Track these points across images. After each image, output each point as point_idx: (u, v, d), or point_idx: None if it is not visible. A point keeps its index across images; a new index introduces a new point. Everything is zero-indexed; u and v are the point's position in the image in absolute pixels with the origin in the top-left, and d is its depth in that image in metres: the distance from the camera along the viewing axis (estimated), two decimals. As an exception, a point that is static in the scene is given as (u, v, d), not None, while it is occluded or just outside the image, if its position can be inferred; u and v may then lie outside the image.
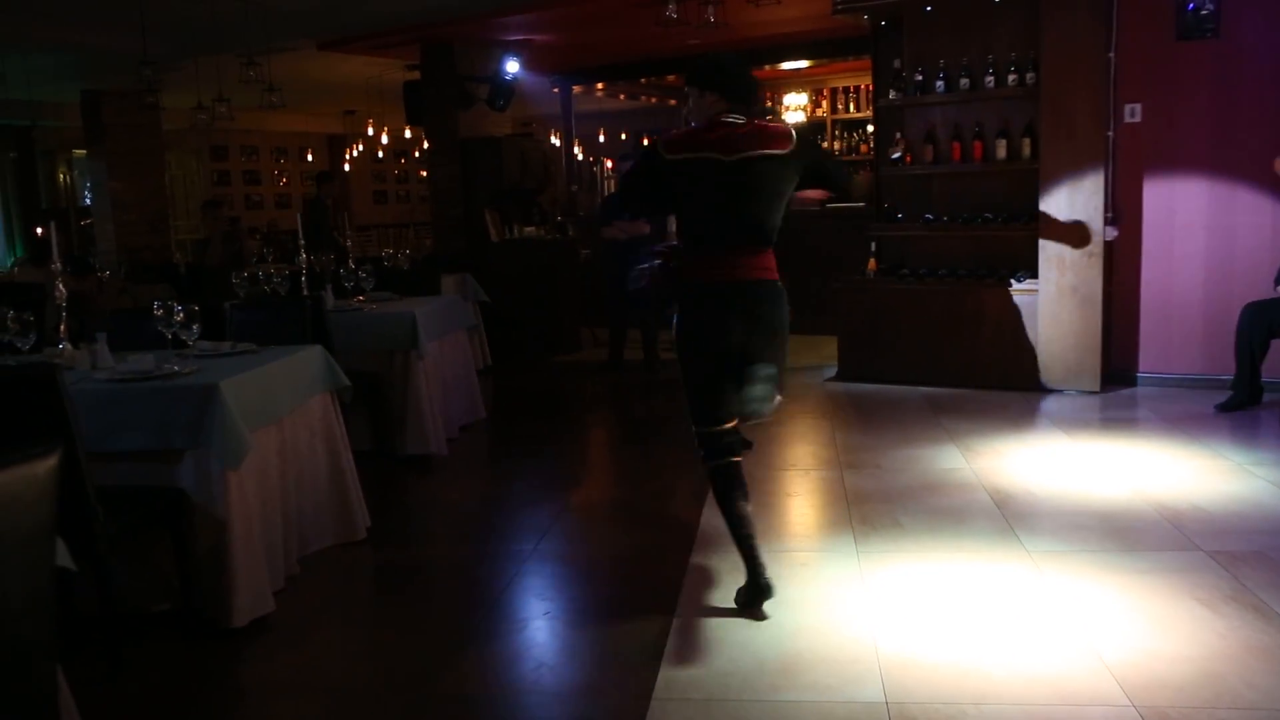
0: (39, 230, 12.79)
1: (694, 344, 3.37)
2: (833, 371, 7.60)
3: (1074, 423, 6.02)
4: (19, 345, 3.78)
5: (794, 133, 3.42)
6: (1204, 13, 6.52)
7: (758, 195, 3.30)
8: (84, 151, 12.62)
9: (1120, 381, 6.86)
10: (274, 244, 11.93)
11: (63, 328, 3.98)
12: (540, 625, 3.57)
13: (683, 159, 3.32)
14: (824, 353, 8.12)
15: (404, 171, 19.36)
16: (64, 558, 2.14)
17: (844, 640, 3.25)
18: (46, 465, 1.76)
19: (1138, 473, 4.95)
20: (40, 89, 11.37)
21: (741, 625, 3.39)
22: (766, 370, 3.28)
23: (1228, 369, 6.17)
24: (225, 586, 3.42)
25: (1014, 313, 6.91)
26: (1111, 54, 6.64)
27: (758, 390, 3.25)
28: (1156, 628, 3.26)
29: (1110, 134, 6.69)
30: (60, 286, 3.97)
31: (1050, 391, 6.77)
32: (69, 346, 3.93)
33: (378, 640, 3.55)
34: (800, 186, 3.44)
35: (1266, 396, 6.01)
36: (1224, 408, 6.05)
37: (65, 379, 3.06)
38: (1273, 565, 3.71)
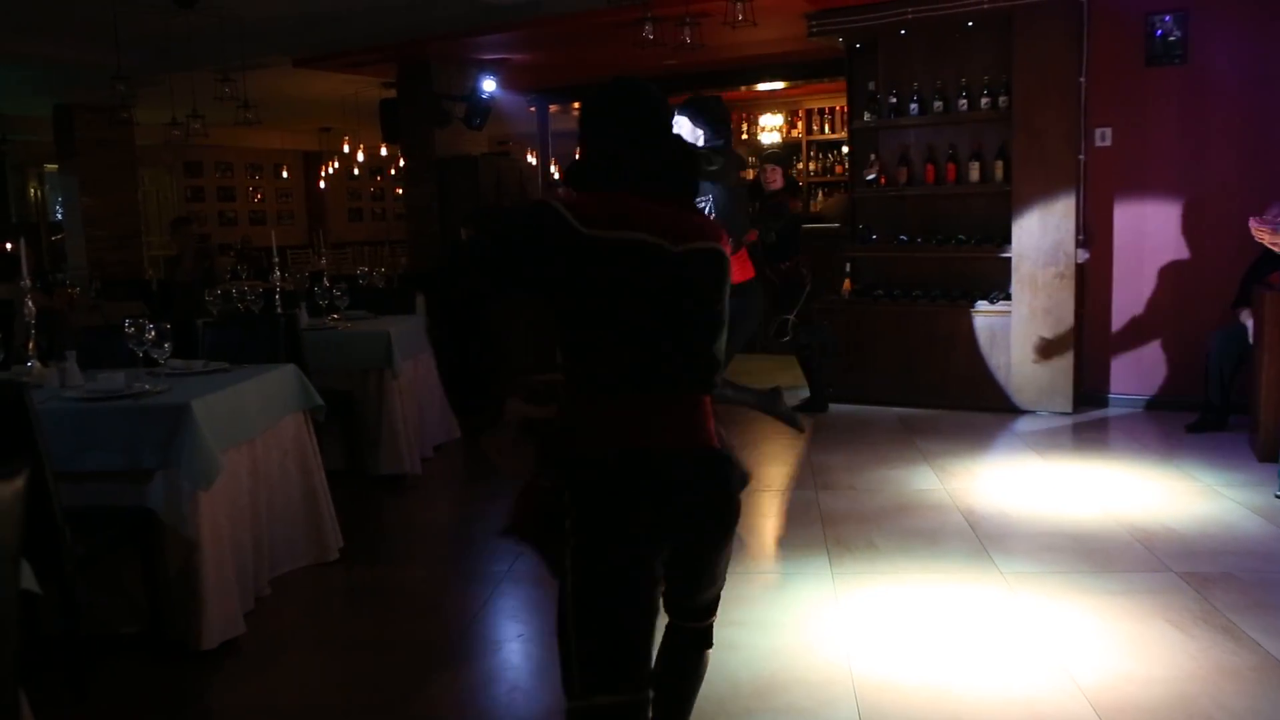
0: (8, 246, 12.65)
1: (593, 559, 1.95)
2: (807, 393, 7.60)
3: (1046, 444, 6.06)
4: (-14, 363, 3.74)
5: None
6: (1172, 39, 6.63)
7: (708, 309, 2.08)
8: (55, 166, 12.51)
9: (1092, 403, 6.92)
10: (248, 261, 11.87)
11: (31, 345, 3.93)
12: (514, 648, 3.55)
13: (610, 239, 1.96)
14: (796, 373, 8.12)
15: (379, 189, 19.30)
16: (29, 580, 2.11)
17: (818, 662, 3.25)
18: (12, 487, 1.74)
19: (1109, 493, 4.99)
20: (11, 102, 11.27)
21: (716, 647, 3.36)
22: (707, 596, 2.23)
23: (1198, 390, 6.24)
24: (194, 608, 3.39)
25: (987, 334, 6.96)
26: (1082, 79, 6.72)
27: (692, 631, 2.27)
28: (1128, 649, 3.27)
29: (1082, 157, 6.77)
30: (29, 303, 3.92)
31: (1023, 412, 6.82)
32: (38, 364, 3.89)
33: (349, 663, 3.51)
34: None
35: (1233, 419, 6.08)
36: (1193, 429, 6.11)
37: (33, 397, 3.03)
38: (1242, 587, 3.75)
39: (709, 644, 2.30)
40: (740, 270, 4.63)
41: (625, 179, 2.07)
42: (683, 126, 4.56)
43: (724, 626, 3.50)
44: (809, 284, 6.95)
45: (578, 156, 2.19)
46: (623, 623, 1.96)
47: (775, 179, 6.90)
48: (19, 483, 1.74)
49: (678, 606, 2.23)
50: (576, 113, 12.49)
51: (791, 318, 6.75)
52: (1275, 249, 5.63)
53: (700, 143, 4.55)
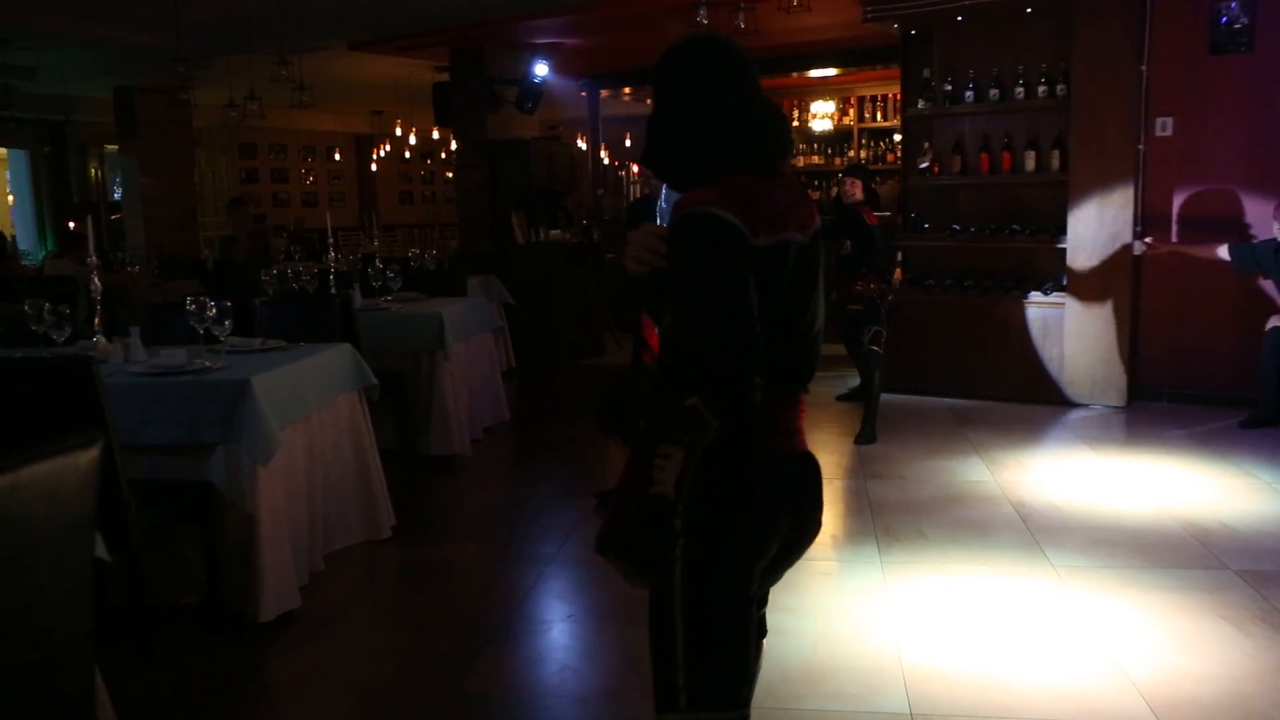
0: (71, 224, 12.92)
1: (716, 569, 1.78)
2: (856, 381, 7.56)
3: (1099, 437, 5.99)
4: (54, 337, 3.83)
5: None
6: (1237, 26, 6.48)
7: (822, 295, 1.88)
8: (115, 147, 12.74)
9: (1146, 396, 6.81)
10: (300, 242, 12.01)
11: (97, 321, 4.02)
12: (563, 628, 3.58)
13: (769, 246, 1.71)
14: (848, 363, 8.08)
15: (430, 172, 19.45)
16: (100, 549, 2.17)
17: (868, 650, 3.24)
18: (89, 456, 1.78)
19: (1164, 489, 4.92)
20: (74, 84, 11.49)
21: (767, 634, 3.38)
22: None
23: (1254, 386, 6.12)
24: (252, 581, 3.45)
25: (1040, 325, 6.88)
26: (1144, 67, 6.60)
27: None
28: (1183, 646, 3.23)
29: (1141, 147, 6.65)
30: (95, 280, 4.01)
31: (1076, 405, 6.73)
32: (103, 339, 3.97)
33: (401, 638, 3.57)
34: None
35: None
36: (1246, 425, 6.00)
37: (100, 371, 3.10)
38: (1301, 585, 3.68)
39: (765, 632, 2.14)
40: None
41: (740, 156, 1.80)
42: None
43: (774, 612, 3.50)
44: (887, 305, 6.31)
45: (657, 136, 1.88)
46: (739, 638, 1.82)
47: (855, 191, 6.60)
48: (95, 451, 1.78)
49: None
50: (627, 97, 12.48)
51: (869, 337, 6.13)
52: None
53: None
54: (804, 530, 1.90)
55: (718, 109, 1.79)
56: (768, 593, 2.01)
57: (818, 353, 1.89)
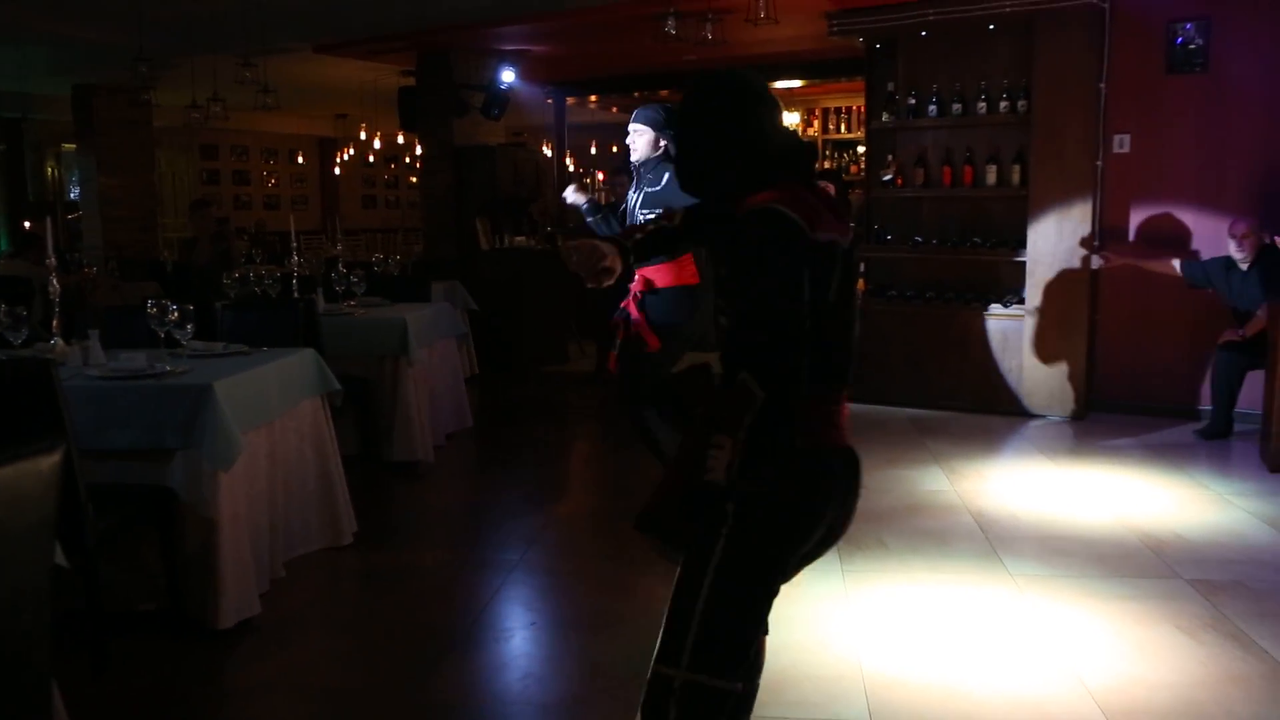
0: (26, 224, 12.71)
1: (756, 551, 1.94)
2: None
3: (1057, 448, 6.07)
4: (10, 339, 3.78)
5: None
6: (1192, 47, 6.62)
7: (857, 302, 2.07)
8: (73, 146, 12.56)
9: (1103, 408, 6.92)
10: (261, 245, 11.91)
11: (55, 322, 3.97)
12: (526, 635, 3.58)
13: (826, 242, 1.94)
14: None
15: (393, 176, 19.35)
16: (57, 555, 2.14)
17: (829, 658, 3.27)
18: (50, 461, 1.76)
19: (1120, 499, 5.00)
20: (32, 81, 11.32)
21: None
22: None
23: (1208, 398, 6.25)
24: (212, 587, 3.42)
25: (1000, 337, 6.97)
26: (1102, 85, 6.72)
27: None
28: (1137, 654, 3.29)
29: (1099, 163, 6.77)
30: (54, 282, 3.96)
31: (1034, 416, 6.83)
32: (61, 342, 3.92)
33: (362, 645, 3.55)
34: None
35: (1239, 427, 6.11)
36: (1203, 434, 6.13)
37: (59, 374, 3.06)
38: (1251, 595, 3.76)
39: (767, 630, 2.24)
40: (680, 274, 4.27)
41: (785, 168, 2.04)
42: (644, 135, 4.35)
43: (735, 620, 3.54)
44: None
45: (689, 154, 2.14)
46: (754, 617, 2.00)
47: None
48: (56, 456, 1.76)
49: None
50: (593, 104, 12.50)
51: None
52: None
53: (662, 149, 4.34)
54: (845, 520, 2.06)
55: (769, 130, 2.08)
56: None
57: (857, 351, 2.06)
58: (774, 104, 2.12)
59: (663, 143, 4.33)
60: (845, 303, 1.99)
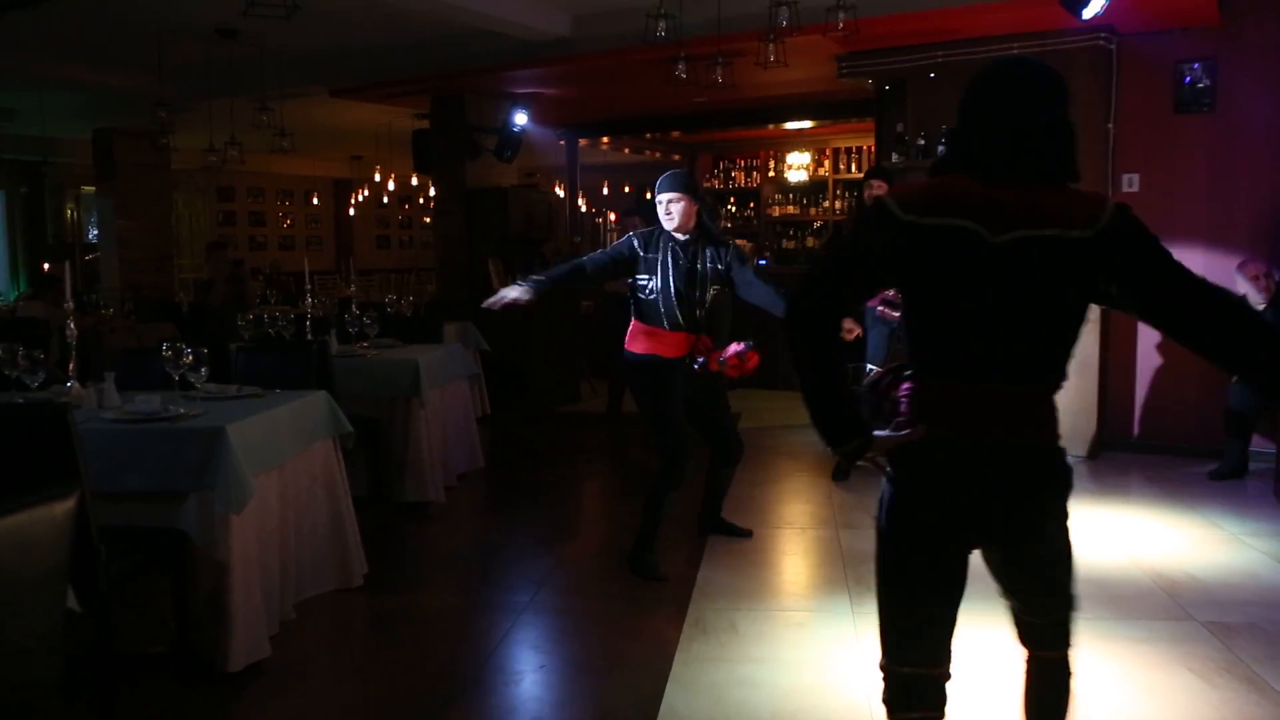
0: (45, 266, 12.86)
1: (894, 540, 2.10)
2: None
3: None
4: (27, 382, 3.81)
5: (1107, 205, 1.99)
6: (1200, 86, 6.67)
7: (1041, 300, 1.97)
8: (92, 188, 12.73)
9: (1114, 447, 6.90)
10: (276, 286, 12.01)
11: (71, 365, 4.01)
12: (536, 679, 3.57)
13: (926, 225, 1.97)
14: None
15: (408, 217, 19.52)
16: (69, 599, 2.16)
17: (839, 702, 3.25)
18: (64, 507, 1.79)
19: (1132, 539, 4.97)
20: (53, 126, 11.50)
21: (735, 685, 3.39)
22: (1049, 618, 2.23)
23: (1220, 437, 6.22)
24: (222, 630, 3.43)
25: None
26: (1110, 125, 6.77)
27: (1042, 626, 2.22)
28: (1149, 697, 3.26)
29: (1108, 203, 6.79)
30: (71, 325, 4.01)
31: (1046, 455, 6.79)
32: (77, 385, 3.96)
33: (371, 689, 3.54)
34: (1116, 303, 2.04)
35: (1253, 465, 6.08)
36: (1215, 476, 6.10)
37: (74, 418, 3.09)
38: (1267, 637, 3.73)
39: (1060, 677, 2.28)
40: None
41: (965, 161, 2.03)
42: (681, 204, 4.40)
43: (743, 663, 3.54)
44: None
45: (1072, 137, 2.09)
46: (915, 606, 2.10)
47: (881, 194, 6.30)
48: (70, 503, 1.79)
49: (1027, 629, 2.25)
50: (605, 146, 12.60)
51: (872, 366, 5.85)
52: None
53: (698, 221, 4.47)
54: (989, 512, 2.03)
55: (961, 125, 2.09)
56: (1042, 614, 2.20)
57: (1022, 351, 1.98)
58: (990, 92, 2.09)
59: (695, 209, 4.43)
60: (971, 291, 1.95)
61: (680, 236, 4.45)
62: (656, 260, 4.45)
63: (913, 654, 2.11)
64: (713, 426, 4.79)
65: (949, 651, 2.13)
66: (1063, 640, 2.22)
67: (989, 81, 2.07)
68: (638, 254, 4.48)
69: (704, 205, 4.51)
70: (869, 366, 5.77)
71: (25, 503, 1.70)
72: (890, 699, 2.15)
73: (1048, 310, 1.96)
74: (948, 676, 2.14)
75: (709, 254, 4.47)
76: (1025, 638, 2.26)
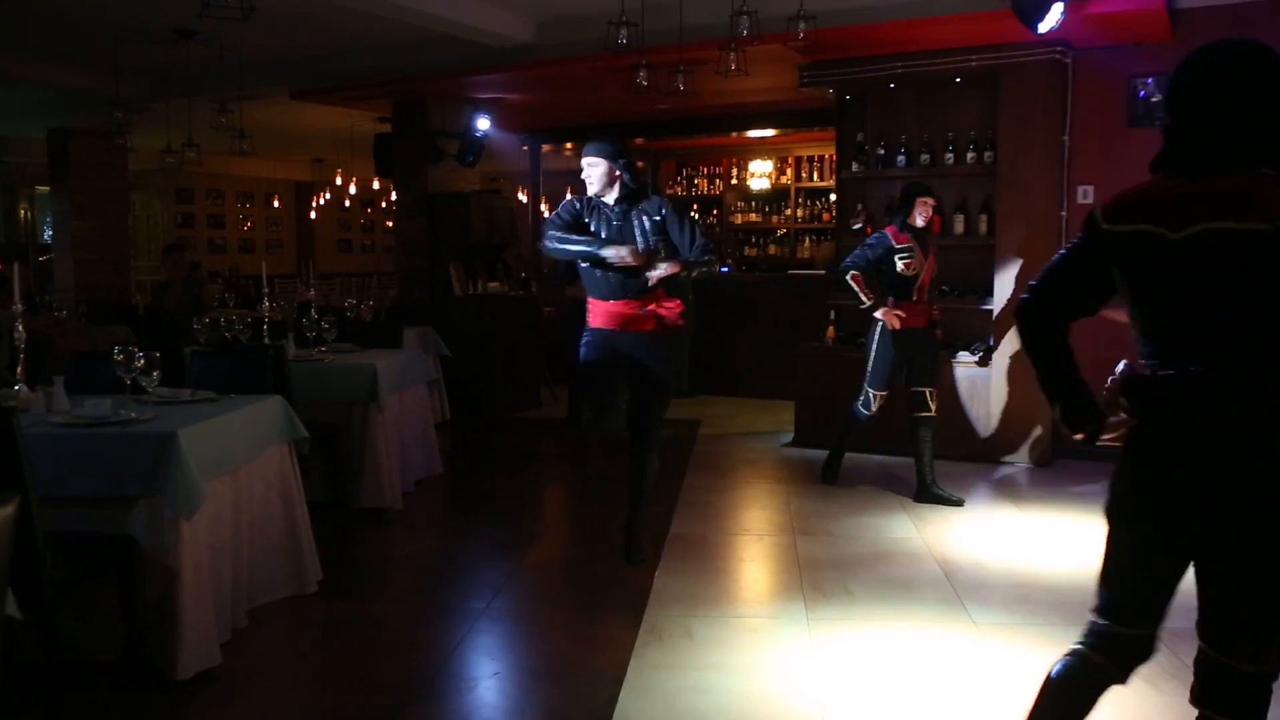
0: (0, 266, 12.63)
1: (1118, 514, 2.27)
2: (789, 437, 7.67)
3: (1024, 495, 6.12)
4: (-27, 386, 3.75)
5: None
6: (1153, 101, 6.78)
7: (1231, 294, 1.98)
8: (46, 188, 12.53)
9: (1071, 455, 6.98)
10: (235, 289, 11.87)
11: (19, 369, 3.95)
12: (489, 685, 3.56)
13: (1116, 233, 2.10)
14: (780, 418, 8.20)
15: (370, 221, 19.40)
16: (10, 606, 2.12)
17: (792, 707, 3.27)
18: (4, 513, 1.76)
19: (1086, 546, 5.03)
20: (6, 124, 11.32)
21: (689, 691, 3.40)
22: (1239, 628, 2.12)
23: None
24: (171, 638, 3.38)
25: (967, 384, 7.03)
26: (1065, 137, 6.87)
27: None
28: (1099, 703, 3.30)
29: (1064, 214, 6.90)
30: (19, 327, 3.94)
31: (1002, 463, 6.88)
32: (25, 388, 3.90)
33: (323, 697, 3.51)
34: None
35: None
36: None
37: (20, 422, 3.04)
38: (1212, 643, 3.78)
39: (1253, 697, 2.15)
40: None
41: (1164, 157, 2.12)
42: (598, 168, 4.52)
43: (698, 669, 3.54)
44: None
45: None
46: (1124, 581, 2.26)
47: (929, 214, 5.86)
48: (9, 510, 1.76)
49: (1217, 634, 2.18)
50: (569, 152, 12.59)
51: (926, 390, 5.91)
52: None
53: (620, 182, 4.55)
54: (1205, 501, 2.06)
55: (1164, 116, 2.16)
56: (1233, 620, 2.13)
57: (1221, 340, 2.01)
58: (1189, 86, 2.11)
59: (617, 173, 4.50)
60: (1179, 285, 2.04)
61: (609, 201, 4.55)
62: (591, 227, 4.57)
63: (1115, 613, 2.27)
64: (648, 396, 4.66)
65: (1157, 616, 2.25)
66: (1252, 655, 2.12)
67: (1178, 74, 2.11)
68: (582, 217, 4.60)
69: (625, 165, 4.54)
70: None
71: (-38, 508, 1.67)
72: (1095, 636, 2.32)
73: (1239, 299, 1.97)
74: (1151, 638, 2.29)
75: (641, 213, 4.53)
76: (1212, 642, 2.19)
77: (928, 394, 5.87)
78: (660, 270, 4.44)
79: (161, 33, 7.34)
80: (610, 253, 4.43)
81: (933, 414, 5.88)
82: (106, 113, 7.97)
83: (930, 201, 5.85)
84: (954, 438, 7.03)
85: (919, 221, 5.81)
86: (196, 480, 3.37)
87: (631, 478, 4.80)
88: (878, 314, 5.81)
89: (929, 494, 5.84)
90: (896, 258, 5.77)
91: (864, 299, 5.82)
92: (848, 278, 5.81)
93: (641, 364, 4.59)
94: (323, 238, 18.48)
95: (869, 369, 5.95)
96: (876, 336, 5.87)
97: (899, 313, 5.79)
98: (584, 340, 4.69)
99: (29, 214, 15.27)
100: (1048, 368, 2.29)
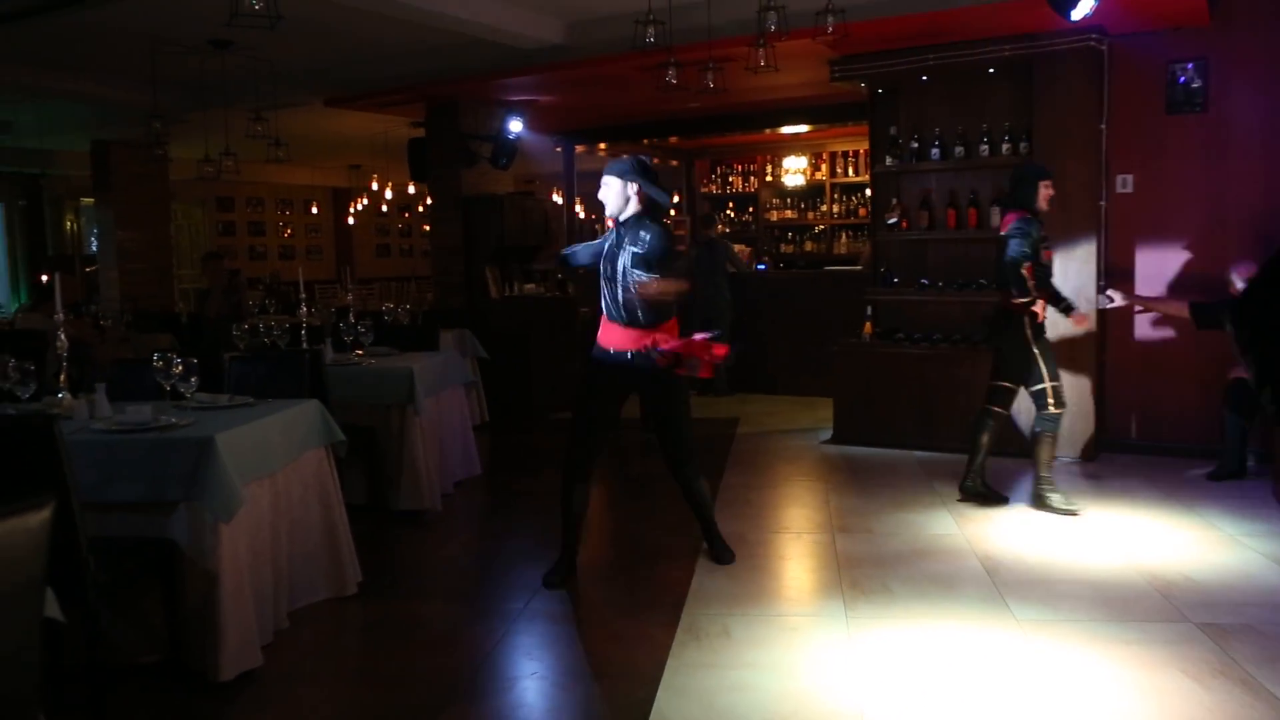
0: (44, 277, 12.89)
1: None
2: (828, 434, 7.62)
3: (1066, 489, 6.01)
4: (19, 394, 3.82)
5: None
6: (1193, 87, 6.66)
7: None
8: (91, 200, 12.75)
9: (1113, 449, 6.88)
10: (275, 295, 12.02)
11: (63, 377, 4.02)
12: (528, 685, 3.56)
13: None
14: (818, 415, 8.15)
15: (407, 225, 19.55)
16: (52, 608, 2.16)
17: (830, 705, 3.24)
18: (40, 518, 1.79)
19: (1129, 541, 4.96)
20: (51, 138, 11.53)
21: (727, 690, 3.39)
22: None
23: (1219, 438, 6.21)
24: (213, 639, 3.43)
25: (1008, 378, 6.93)
26: (1103, 125, 6.76)
27: None
28: (1142, 700, 3.25)
29: (1103, 203, 6.79)
30: (62, 335, 4.01)
31: (1044, 457, 6.78)
32: (68, 396, 3.97)
33: (363, 697, 3.54)
34: None
35: (1251, 465, 6.08)
36: (1215, 477, 6.08)
37: (63, 429, 3.09)
38: (1262, 639, 3.71)
39: None
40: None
41: None
42: (611, 188, 4.44)
43: (735, 668, 3.53)
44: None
45: None
46: None
47: (1050, 196, 5.57)
48: (45, 514, 1.79)
49: None
50: (602, 153, 12.61)
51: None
52: None
53: (638, 200, 4.43)
54: None
55: None
56: None
57: None
58: None
59: (630, 191, 4.40)
60: None
61: (622, 219, 4.46)
62: (603, 245, 4.51)
63: None
64: (663, 429, 4.62)
65: None
66: None
67: None
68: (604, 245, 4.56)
69: (645, 184, 4.40)
70: None
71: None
72: None
73: None
74: None
75: (635, 238, 4.36)
76: None
77: (1049, 390, 5.49)
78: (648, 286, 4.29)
79: (197, 44, 7.43)
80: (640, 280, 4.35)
81: (1060, 410, 5.54)
82: (146, 124, 8.10)
83: (1052, 186, 5.52)
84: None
85: (1044, 206, 5.49)
86: (234, 484, 3.41)
87: (691, 505, 4.78)
88: (1038, 305, 5.40)
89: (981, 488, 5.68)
90: (1041, 246, 5.43)
91: (1031, 291, 5.38)
92: (1022, 269, 5.34)
93: (642, 380, 4.48)
94: (361, 243, 18.65)
95: (1041, 367, 5.47)
96: (1029, 330, 5.44)
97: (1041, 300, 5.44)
98: (585, 364, 4.60)
99: (75, 225, 15.55)
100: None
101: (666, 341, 4.37)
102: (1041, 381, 5.49)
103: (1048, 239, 5.56)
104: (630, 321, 4.40)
